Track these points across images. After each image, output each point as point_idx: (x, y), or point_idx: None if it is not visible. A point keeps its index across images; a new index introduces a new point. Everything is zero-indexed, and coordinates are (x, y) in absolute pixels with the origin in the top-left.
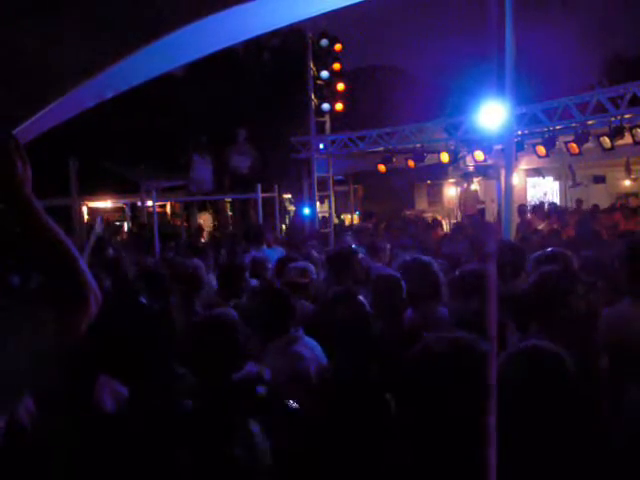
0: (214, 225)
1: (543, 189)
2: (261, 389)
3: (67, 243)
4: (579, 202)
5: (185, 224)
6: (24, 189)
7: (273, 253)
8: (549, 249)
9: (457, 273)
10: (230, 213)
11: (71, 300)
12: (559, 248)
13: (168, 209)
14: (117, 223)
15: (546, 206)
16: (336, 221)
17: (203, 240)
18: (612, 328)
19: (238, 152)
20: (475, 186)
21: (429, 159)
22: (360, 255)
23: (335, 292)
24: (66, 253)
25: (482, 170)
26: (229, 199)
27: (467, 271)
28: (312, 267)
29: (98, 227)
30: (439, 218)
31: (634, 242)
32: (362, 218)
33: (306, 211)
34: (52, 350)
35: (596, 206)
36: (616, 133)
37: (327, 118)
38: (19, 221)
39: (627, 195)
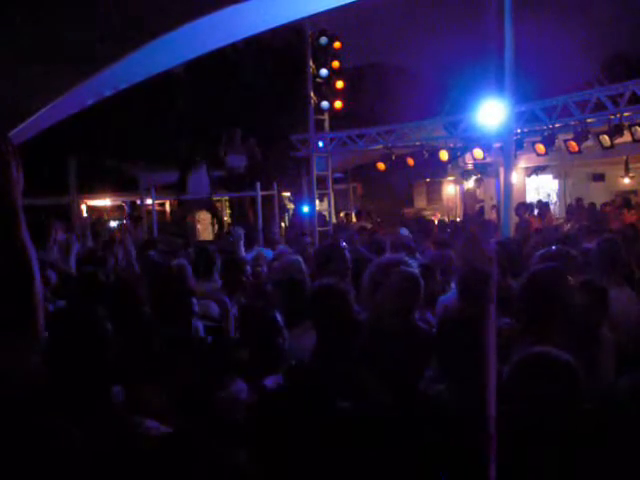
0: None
1: (546, 189)
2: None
3: (33, 263)
4: (579, 200)
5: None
6: (14, 194)
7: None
8: (552, 247)
9: (460, 274)
10: (229, 211)
11: (18, 324)
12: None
13: (167, 207)
14: (112, 224)
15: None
16: (334, 220)
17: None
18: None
19: (235, 152)
20: (471, 184)
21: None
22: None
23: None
24: (26, 274)
25: (481, 168)
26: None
27: (468, 272)
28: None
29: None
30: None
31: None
32: (357, 217)
33: (305, 209)
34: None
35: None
36: (615, 131)
37: (326, 116)
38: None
39: (626, 193)
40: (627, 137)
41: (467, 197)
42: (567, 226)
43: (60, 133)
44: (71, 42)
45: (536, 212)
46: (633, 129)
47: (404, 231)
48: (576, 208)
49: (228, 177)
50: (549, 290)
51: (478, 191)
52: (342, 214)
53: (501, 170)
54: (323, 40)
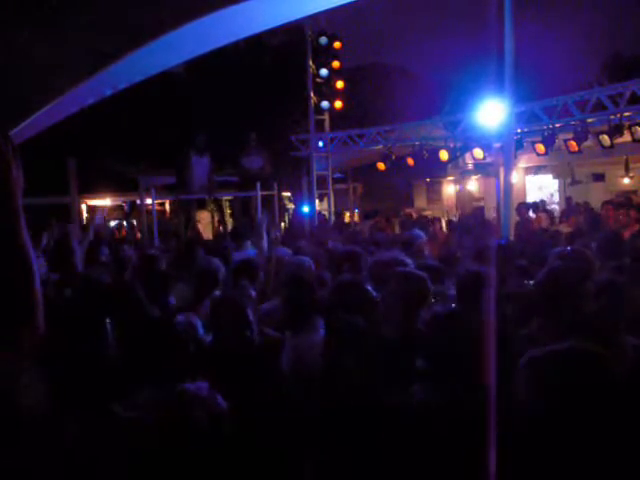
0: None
1: (549, 189)
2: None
3: (33, 263)
4: (569, 200)
5: (175, 221)
6: (15, 195)
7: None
8: (569, 248)
9: (459, 275)
10: (229, 211)
11: (16, 323)
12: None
13: (167, 207)
14: (112, 224)
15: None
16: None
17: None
18: None
19: (248, 154)
20: (473, 184)
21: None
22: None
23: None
24: (27, 274)
25: (481, 168)
26: (229, 197)
27: (469, 272)
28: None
29: (98, 220)
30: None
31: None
32: (364, 216)
33: (305, 209)
34: None
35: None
36: (615, 131)
37: (326, 116)
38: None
39: (626, 193)
40: (627, 137)
41: (463, 196)
42: (560, 226)
43: (60, 133)
44: (71, 41)
45: (531, 212)
46: (633, 129)
47: (419, 232)
48: (567, 209)
49: (243, 178)
50: (567, 289)
51: (475, 188)
52: (347, 214)
53: (501, 170)
54: (323, 40)
